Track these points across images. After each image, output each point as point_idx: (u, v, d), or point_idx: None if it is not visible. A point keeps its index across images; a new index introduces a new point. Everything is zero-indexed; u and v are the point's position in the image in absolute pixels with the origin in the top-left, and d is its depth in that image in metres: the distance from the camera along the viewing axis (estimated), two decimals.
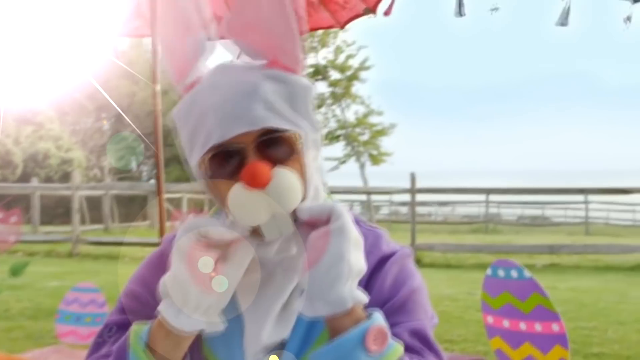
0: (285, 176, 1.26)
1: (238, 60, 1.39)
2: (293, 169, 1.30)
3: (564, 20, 4.02)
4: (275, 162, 1.28)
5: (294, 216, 1.29)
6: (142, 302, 1.46)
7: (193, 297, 1.21)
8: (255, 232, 1.30)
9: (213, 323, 1.25)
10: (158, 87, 4.28)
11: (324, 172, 1.45)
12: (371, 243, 1.44)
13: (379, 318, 1.23)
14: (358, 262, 1.23)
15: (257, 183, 1.22)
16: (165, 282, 1.24)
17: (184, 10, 1.38)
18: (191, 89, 1.36)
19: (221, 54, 1.42)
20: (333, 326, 1.23)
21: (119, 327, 1.44)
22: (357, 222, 1.44)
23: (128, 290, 1.50)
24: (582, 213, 28.78)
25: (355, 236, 1.23)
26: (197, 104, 1.32)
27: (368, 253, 1.33)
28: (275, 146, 1.29)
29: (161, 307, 1.25)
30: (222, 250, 1.25)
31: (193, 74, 1.37)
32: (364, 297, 1.23)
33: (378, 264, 1.42)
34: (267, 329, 1.37)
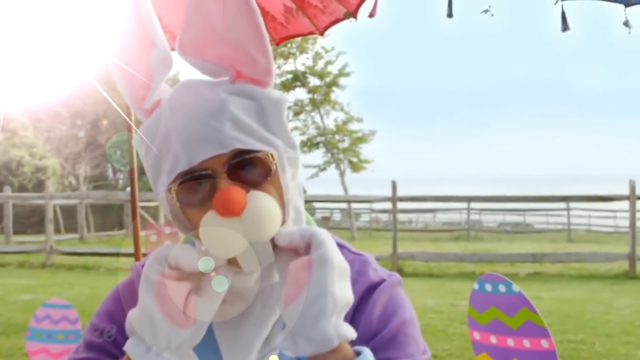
0: (261, 200, 1.15)
1: (202, 78, 1.27)
2: (269, 191, 1.19)
3: (565, 26, 4.00)
4: (249, 185, 1.17)
5: (274, 243, 1.19)
6: (108, 339, 1.35)
7: (163, 333, 1.11)
8: (233, 261, 1.20)
9: None
10: None
11: (302, 191, 1.35)
12: (357, 271, 1.33)
13: (368, 357, 1.13)
14: (344, 294, 1.12)
15: (231, 211, 1.11)
16: (132, 317, 1.14)
17: (146, 23, 1.26)
18: (152, 112, 1.25)
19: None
20: None
21: None
22: (342, 247, 1.34)
23: (93, 325, 1.38)
24: (564, 220, 29.03)
25: (339, 265, 1.13)
26: (160, 127, 1.21)
27: (354, 282, 1.23)
28: (248, 168, 1.18)
29: (127, 346, 1.14)
30: (195, 280, 1.15)
31: (155, 95, 1.26)
32: (351, 333, 1.12)
33: (365, 293, 1.31)
34: None
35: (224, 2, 1.19)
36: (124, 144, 4.69)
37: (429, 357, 1.34)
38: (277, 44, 4.60)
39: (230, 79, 1.24)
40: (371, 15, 3.89)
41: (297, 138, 34.83)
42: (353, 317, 1.27)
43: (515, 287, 3.55)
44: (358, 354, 1.13)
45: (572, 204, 26.51)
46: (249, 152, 1.17)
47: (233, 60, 1.22)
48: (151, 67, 1.24)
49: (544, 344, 3.47)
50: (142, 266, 1.31)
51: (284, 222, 1.22)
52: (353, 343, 1.18)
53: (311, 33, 4.52)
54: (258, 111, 1.21)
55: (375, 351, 1.18)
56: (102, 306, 1.41)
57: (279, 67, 33.01)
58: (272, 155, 1.20)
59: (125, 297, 1.35)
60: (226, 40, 1.21)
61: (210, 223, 1.13)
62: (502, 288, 3.65)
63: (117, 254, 13.60)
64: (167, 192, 1.21)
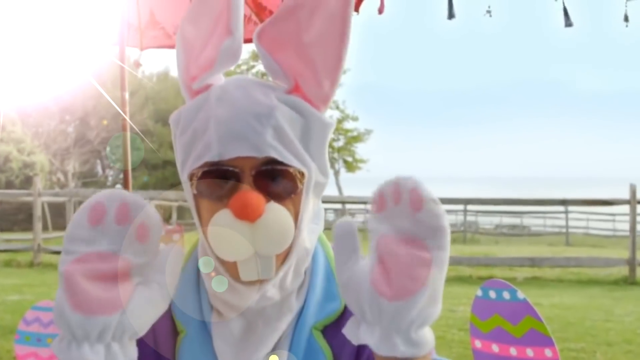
0: (279, 214, 1.14)
1: (257, 78, 1.25)
2: (288, 209, 1.17)
3: (568, 21, 3.99)
4: (271, 196, 1.15)
5: (280, 261, 1.18)
6: None
7: (76, 324, 1.03)
8: (231, 269, 1.18)
9: (112, 353, 1.05)
10: (127, 95, 4.24)
11: (322, 220, 1.34)
12: None
13: None
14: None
15: (247, 215, 1.09)
16: (53, 314, 1.07)
17: (216, 6, 1.23)
18: (198, 95, 1.23)
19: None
20: None
21: None
22: None
23: None
24: (562, 222, 29.07)
25: None
26: (202, 111, 1.19)
27: None
28: (275, 179, 1.16)
29: (52, 344, 1.08)
30: (119, 264, 1.07)
31: (206, 79, 1.23)
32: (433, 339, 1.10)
33: None
34: None
35: (323, 18, 1.18)
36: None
37: None
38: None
39: (287, 89, 1.22)
40: (380, 11, 3.87)
41: None
42: None
43: (520, 295, 3.53)
44: None
45: (571, 207, 26.57)
46: (281, 163, 1.15)
47: (300, 73, 1.21)
48: (219, 54, 1.20)
49: (548, 353, 3.45)
50: None
51: (291, 244, 1.20)
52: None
53: None
54: (303, 128, 1.20)
55: None
56: None
57: None
58: (302, 175, 1.18)
59: None
60: (304, 50, 1.19)
61: (222, 222, 1.12)
62: (506, 295, 3.62)
63: None
64: (189, 177, 1.19)
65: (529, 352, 3.56)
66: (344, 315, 1.28)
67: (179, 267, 1.12)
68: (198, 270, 1.33)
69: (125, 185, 4.51)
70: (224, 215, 1.12)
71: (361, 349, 1.26)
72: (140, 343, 1.15)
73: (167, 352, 1.32)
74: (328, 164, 1.25)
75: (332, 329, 1.30)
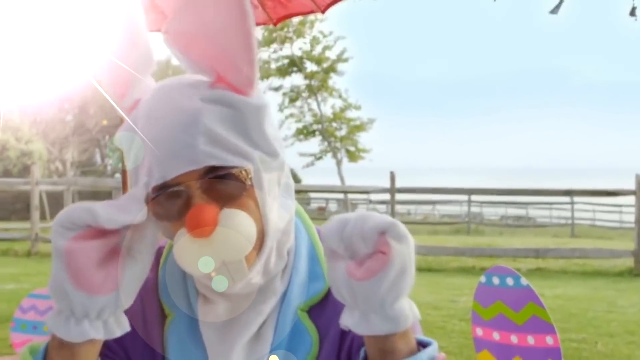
0: (233, 219, 1.15)
1: (179, 78, 1.26)
2: (247, 205, 1.19)
3: (555, 9, 4.00)
4: (224, 201, 1.17)
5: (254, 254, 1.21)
6: None
7: (77, 302, 1.08)
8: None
9: (109, 328, 1.13)
10: None
11: (292, 193, 1.34)
12: None
13: (436, 345, 1.15)
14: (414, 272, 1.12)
15: (201, 232, 1.11)
16: (48, 288, 1.11)
17: (131, 19, 1.25)
18: (133, 110, 1.25)
19: None
20: (383, 348, 1.11)
21: None
22: None
23: None
24: (567, 214, 29.07)
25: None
26: (137, 134, 1.21)
27: None
28: (223, 183, 1.17)
29: (48, 318, 1.12)
30: (113, 239, 1.13)
31: (134, 95, 1.26)
32: (418, 314, 1.13)
33: None
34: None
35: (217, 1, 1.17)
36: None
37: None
38: (275, 25, 4.55)
39: (210, 82, 1.22)
40: None
41: (293, 125, 34.88)
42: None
43: (524, 281, 3.54)
44: (426, 343, 1.15)
45: (577, 198, 26.56)
46: (222, 168, 1.16)
47: (216, 61, 1.20)
48: (130, 67, 1.23)
49: (549, 340, 3.46)
50: None
51: (263, 235, 1.22)
52: (352, 343, 1.26)
53: (312, 12, 4.47)
54: (236, 120, 1.20)
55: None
56: None
57: (275, 52, 32.99)
58: (247, 171, 1.19)
59: None
60: (212, 39, 1.18)
61: (181, 242, 1.14)
62: (509, 281, 3.63)
63: None
64: (144, 200, 1.19)
65: (530, 339, 3.57)
66: (329, 295, 1.30)
67: (157, 238, 1.18)
68: None
69: (123, 173, 4.52)
70: (182, 235, 1.14)
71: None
72: (130, 328, 1.19)
73: (156, 336, 1.34)
74: (274, 144, 1.24)
75: (318, 309, 1.32)
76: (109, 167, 34.65)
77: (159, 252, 1.39)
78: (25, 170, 23.86)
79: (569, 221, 27.83)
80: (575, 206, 27.67)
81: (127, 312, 1.19)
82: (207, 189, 1.16)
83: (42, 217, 18.52)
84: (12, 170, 27.31)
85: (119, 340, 1.25)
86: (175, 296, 1.34)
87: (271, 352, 1.28)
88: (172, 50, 1.22)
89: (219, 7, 1.16)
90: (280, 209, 1.28)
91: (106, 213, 1.10)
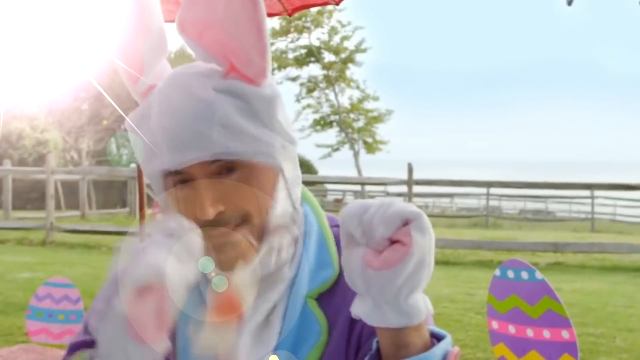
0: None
1: (193, 66, 1.28)
2: (255, 195, 1.23)
3: (570, 1, 4.00)
4: (238, 185, 1.22)
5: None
6: None
7: (132, 350, 1.04)
8: (226, 265, 1.24)
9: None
10: None
11: (298, 183, 1.36)
12: None
13: (450, 339, 1.14)
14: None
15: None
16: (99, 330, 1.06)
17: (145, 4, 1.28)
18: (147, 95, 1.28)
19: None
20: (396, 341, 1.10)
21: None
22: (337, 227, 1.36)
23: (95, 310, 1.40)
24: (587, 208, 28.86)
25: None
26: (149, 120, 1.24)
27: None
28: (236, 172, 1.22)
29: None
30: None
31: (149, 79, 1.28)
32: (432, 309, 1.12)
33: None
34: (242, 350, 1.29)
35: None
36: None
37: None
38: (290, 15, 4.57)
39: (223, 72, 1.24)
40: None
41: (310, 116, 34.87)
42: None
43: (539, 275, 3.55)
44: (441, 336, 1.14)
45: (597, 192, 26.40)
46: (235, 155, 1.21)
47: (228, 51, 1.22)
48: (143, 53, 1.26)
49: (565, 334, 3.48)
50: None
51: (268, 219, 1.25)
52: (361, 332, 1.27)
53: (326, 3, 4.49)
54: (249, 112, 1.22)
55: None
56: (103, 290, 1.41)
57: (292, 41, 32.97)
58: (261, 162, 1.24)
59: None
60: (225, 28, 1.21)
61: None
62: (524, 275, 3.65)
63: (120, 233, 13.65)
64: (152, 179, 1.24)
65: (546, 333, 3.59)
66: (338, 283, 1.31)
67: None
68: None
69: (140, 182, 4.56)
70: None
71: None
72: None
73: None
74: (289, 132, 1.28)
75: (327, 297, 1.33)
76: (124, 157, 34.75)
77: None
78: (40, 159, 23.99)
79: (589, 216, 27.64)
80: (596, 200, 27.46)
81: None
82: (213, 181, 1.21)
83: (57, 207, 18.65)
84: (27, 159, 27.45)
85: None
86: None
87: (279, 340, 1.29)
88: (185, 39, 1.25)
89: None
90: (291, 197, 1.32)
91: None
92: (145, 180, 4.56)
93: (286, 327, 1.30)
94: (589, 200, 27.50)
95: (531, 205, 34.47)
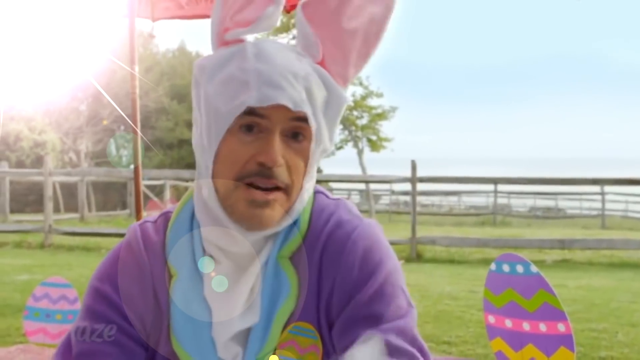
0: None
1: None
2: (297, 163, 1.37)
3: None
4: (296, 154, 1.36)
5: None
6: (110, 302, 1.44)
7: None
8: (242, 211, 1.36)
9: None
10: (136, 69, 4.32)
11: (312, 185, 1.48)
12: (331, 211, 1.46)
13: None
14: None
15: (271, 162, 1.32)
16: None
17: None
18: (227, 45, 1.40)
19: None
20: None
21: (86, 332, 1.44)
22: (319, 192, 1.51)
23: (93, 289, 1.48)
24: (598, 205, 28.81)
25: None
26: (237, 62, 1.35)
27: (326, 221, 1.42)
28: (298, 137, 1.36)
29: None
30: None
31: (241, 34, 1.40)
32: None
33: (339, 232, 1.42)
34: (238, 316, 1.39)
35: (367, 14, 1.41)
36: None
37: (415, 311, 1.42)
38: (288, 12, 4.65)
39: (314, 61, 1.40)
40: None
41: None
42: (332, 259, 1.39)
43: (533, 268, 3.63)
44: None
45: (608, 189, 26.34)
46: (306, 122, 1.35)
47: (330, 53, 1.42)
48: (260, 17, 1.38)
49: (561, 327, 3.55)
50: (140, 227, 1.45)
51: (292, 198, 1.39)
52: (332, 293, 1.36)
53: None
54: (325, 98, 1.38)
55: (360, 305, 1.32)
56: (100, 269, 1.51)
57: (294, 38, 32.94)
58: (316, 137, 1.38)
59: (123, 260, 1.47)
60: (341, 37, 1.41)
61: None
62: (519, 269, 3.73)
63: (120, 235, 13.70)
64: (219, 115, 1.34)
65: (542, 326, 3.67)
66: (305, 241, 1.42)
67: None
68: (192, 217, 1.47)
69: (136, 182, 4.62)
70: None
71: (341, 276, 1.39)
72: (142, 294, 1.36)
73: (163, 296, 1.44)
74: (336, 135, 1.43)
75: (297, 256, 1.42)
76: (124, 158, 34.77)
77: (166, 217, 1.51)
78: (38, 161, 24.05)
79: (600, 212, 27.59)
80: (607, 197, 27.39)
81: (137, 279, 1.40)
82: (286, 133, 1.35)
83: (56, 209, 18.70)
84: (25, 161, 27.51)
85: (132, 307, 1.41)
86: (180, 255, 1.44)
87: (260, 299, 1.39)
88: (301, 18, 1.42)
89: (365, 18, 1.41)
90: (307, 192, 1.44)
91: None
92: (143, 182, 4.64)
93: (264, 287, 1.40)
94: (599, 197, 27.43)
95: (541, 202, 34.41)
